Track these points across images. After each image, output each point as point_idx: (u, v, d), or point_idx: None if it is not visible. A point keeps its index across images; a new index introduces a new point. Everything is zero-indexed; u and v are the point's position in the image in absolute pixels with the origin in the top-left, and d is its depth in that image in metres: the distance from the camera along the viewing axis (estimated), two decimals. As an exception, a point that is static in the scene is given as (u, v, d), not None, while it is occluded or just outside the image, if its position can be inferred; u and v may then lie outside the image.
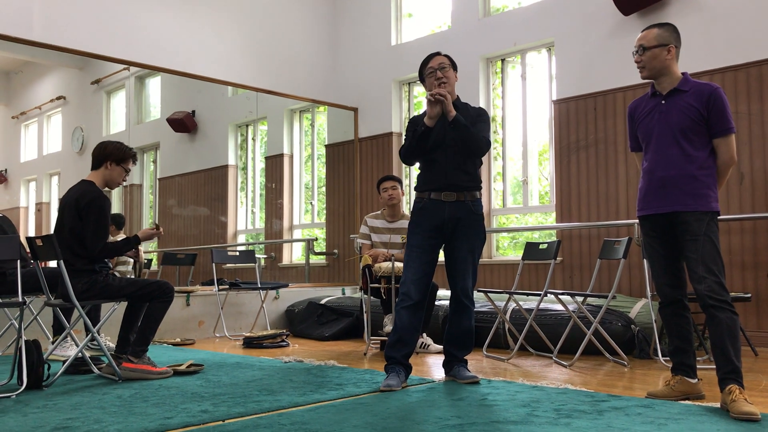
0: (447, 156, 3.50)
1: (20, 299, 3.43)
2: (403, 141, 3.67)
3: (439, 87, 3.49)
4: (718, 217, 3.03)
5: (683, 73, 3.11)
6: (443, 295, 5.63)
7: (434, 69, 3.56)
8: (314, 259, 7.88)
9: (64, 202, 3.92)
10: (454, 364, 3.64)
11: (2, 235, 4.37)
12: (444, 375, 3.69)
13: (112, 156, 3.96)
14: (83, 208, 3.79)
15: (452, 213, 3.50)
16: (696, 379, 3.10)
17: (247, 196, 8.24)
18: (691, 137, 3.00)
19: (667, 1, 5.46)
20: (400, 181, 5.23)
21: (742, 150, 5.06)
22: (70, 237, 3.80)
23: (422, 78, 3.66)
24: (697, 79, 3.13)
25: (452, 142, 3.49)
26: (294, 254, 8.20)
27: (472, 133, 3.47)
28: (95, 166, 3.99)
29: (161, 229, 4.06)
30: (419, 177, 3.64)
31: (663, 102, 3.10)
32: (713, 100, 2.98)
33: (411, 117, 3.76)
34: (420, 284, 3.48)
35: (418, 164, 3.69)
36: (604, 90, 5.81)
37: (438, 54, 3.63)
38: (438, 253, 3.61)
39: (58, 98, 7.38)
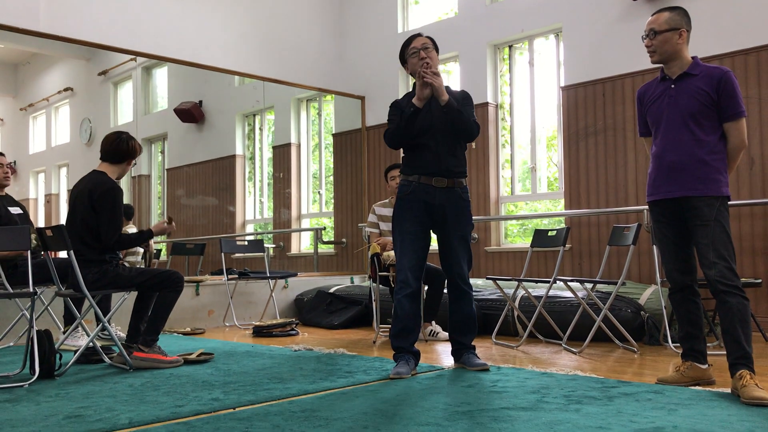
0: (437, 140, 3.47)
1: (31, 290, 3.45)
2: (388, 125, 3.63)
3: (426, 67, 3.43)
4: (728, 203, 3.01)
5: (693, 57, 3.08)
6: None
7: (417, 49, 3.52)
8: (323, 248, 7.89)
9: (76, 192, 3.92)
10: (462, 351, 3.61)
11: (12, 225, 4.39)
12: (453, 363, 3.68)
13: (136, 154, 4.04)
14: (97, 198, 3.80)
15: (442, 199, 3.47)
16: (706, 365, 3.09)
17: (255, 186, 8.25)
18: (701, 121, 2.97)
19: (677, -16, 5.40)
20: None
21: (752, 135, 5.02)
22: (82, 227, 3.81)
23: (404, 60, 3.62)
24: (707, 63, 3.10)
25: (442, 126, 3.46)
26: (302, 243, 8.21)
27: (465, 118, 3.45)
28: (114, 160, 3.99)
29: (173, 224, 4.08)
30: (405, 160, 3.59)
31: (673, 86, 3.07)
32: (723, 83, 2.95)
33: (393, 101, 3.72)
34: (417, 271, 3.48)
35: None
36: (612, 76, 5.77)
37: (420, 35, 3.61)
38: (429, 237, 3.59)
39: (66, 90, 7.40)
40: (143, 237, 4.01)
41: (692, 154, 2.97)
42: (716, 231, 2.90)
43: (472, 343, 3.66)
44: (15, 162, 7.19)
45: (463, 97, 3.59)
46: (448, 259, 3.56)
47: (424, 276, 4.99)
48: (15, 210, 4.68)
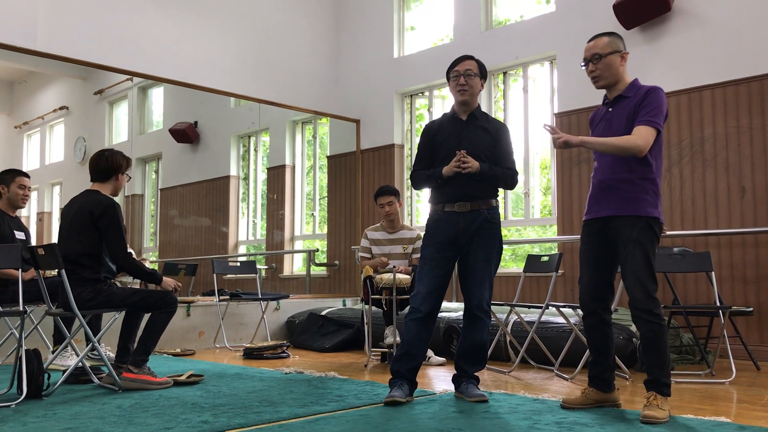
0: None
1: (21, 308, 3.43)
2: (418, 149, 3.62)
3: (461, 163, 3.35)
4: (659, 224, 2.99)
5: (634, 80, 3.12)
6: (445, 306, 5.62)
7: (459, 74, 3.46)
8: (315, 270, 7.87)
9: (72, 211, 3.89)
10: (463, 379, 3.48)
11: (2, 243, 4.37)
12: (454, 390, 3.53)
13: (122, 168, 4.02)
14: (99, 217, 3.78)
15: (467, 224, 3.40)
16: (612, 390, 3.12)
17: (248, 207, 8.25)
18: None
19: (668, 15, 5.48)
20: (397, 193, 5.20)
21: (743, 164, 5.07)
22: (79, 246, 3.78)
23: (448, 77, 3.56)
24: (645, 85, 3.09)
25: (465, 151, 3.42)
26: (295, 265, 8.20)
27: (499, 177, 3.44)
28: (103, 178, 3.99)
29: (179, 289, 4.09)
30: (432, 189, 3.56)
31: (610, 109, 3.14)
32: (648, 95, 2.98)
33: (427, 124, 3.66)
34: (431, 298, 3.39)
35: None
36: (605, 103, 5.81)
37: (469, 58, 3.52)
38: (453, 266, 3.50)
39: (61, 108, 7.41)
40: (150, 276, 3.95)
41: (619, 174, 3.00)
42: (635, 253, 2.91)
43: (476, 374, 3.52)
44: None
45: (498, 139, 3.51)
46: (467, 283, 3.46)
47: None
48: (20, 235, 4.68)
